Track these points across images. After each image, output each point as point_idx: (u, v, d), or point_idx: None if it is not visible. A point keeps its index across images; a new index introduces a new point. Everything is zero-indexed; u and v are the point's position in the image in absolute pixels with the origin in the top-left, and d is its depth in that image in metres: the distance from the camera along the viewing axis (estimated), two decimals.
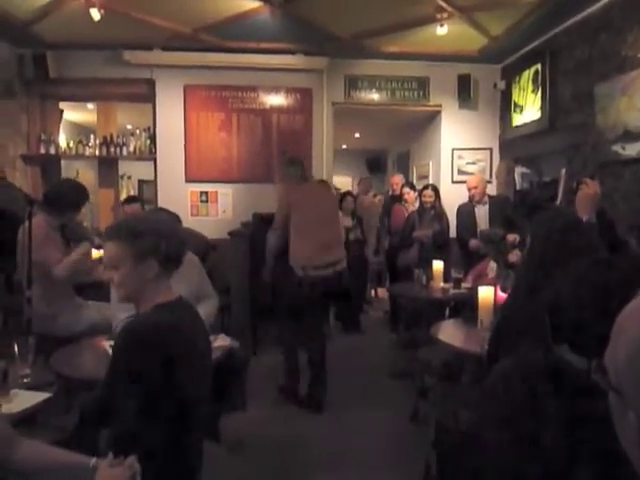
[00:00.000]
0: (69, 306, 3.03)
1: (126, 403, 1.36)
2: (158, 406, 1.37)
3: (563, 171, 4.48)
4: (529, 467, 1.03)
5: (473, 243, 4.50)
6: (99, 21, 3.90)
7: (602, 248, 1.74)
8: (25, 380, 1.88)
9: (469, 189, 4.72)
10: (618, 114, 3.62)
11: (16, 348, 1.92)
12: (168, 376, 1.36)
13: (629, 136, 3.53)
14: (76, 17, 4.06)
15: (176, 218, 2.89)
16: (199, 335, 1.53)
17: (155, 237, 1.49)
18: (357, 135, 8.54)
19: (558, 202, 4.39)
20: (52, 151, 5.12)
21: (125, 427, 1.38)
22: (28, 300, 2.57)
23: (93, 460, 1.27)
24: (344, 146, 9.51)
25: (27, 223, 2.60)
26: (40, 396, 1.76)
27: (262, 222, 4.90)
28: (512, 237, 3.73)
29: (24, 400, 1.72)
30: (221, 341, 2.49)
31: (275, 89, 5.32)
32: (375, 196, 6.49)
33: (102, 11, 3.83)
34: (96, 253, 3.12)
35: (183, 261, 1.57)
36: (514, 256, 3.33)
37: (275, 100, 5.33)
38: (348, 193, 5.76)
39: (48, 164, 5.32)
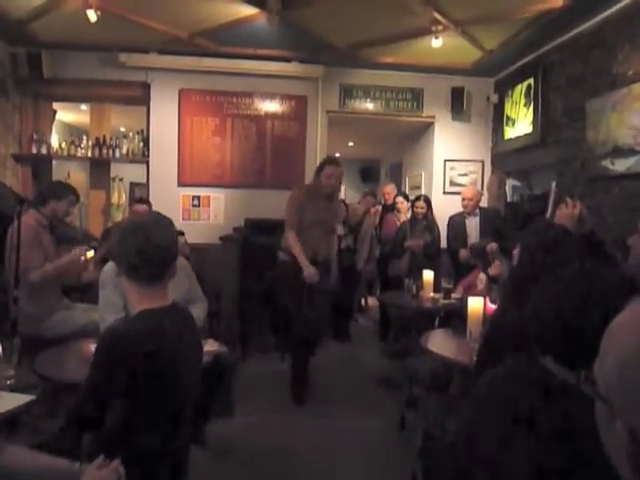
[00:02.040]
0: (57, 308, 3.00)
1: (104, 409, 1.35)
2: (137, 411, 1.36)
3: (553, 185, 4.53)
4: (515, 477, 1.04)
5: (463, 254, 4.52)
6: (95, 22, 3.90)
7: (590, 262, 1.75)
8: (9, 382, 1.85)
9: (463, 199, 4.76)
10: (608, 130, 3.67)
11: (1, 349, 1.90)
12: (141, 383, 1.34)
13: (618, 152, 3.58)
14: (72, 17, 4.05)
15: (169, 222, 2.88)
16: (186, 341, 1.51)
17: (119, 250, 1.47)
18: (351, 144, 8.58)
19: (547, 215, 4.43)
20: (44, 151, 5.08)
21: (107, 432, 1.37)
22: (15, 300, 2.54)
23: (77, 465, 1.26)
24: (337, 154, 9.52)
25: (16, 222, 2.58)
26: (23, 398, 1.73)
27: (254, 227, 4.91)
28: (490, 246, 3.75)
29: (7, 402, 1.69)
30: (209, 346, 2.48)
31: (270, 96, 5.34)
32: (374, 205, 6.47)
33: (99, 12, 3.83)
34: (88, 254, 3.11)
35: (166, 273, 1.50)
36: (495, 269, 3.34)
37: (270, 107, 5.34)
38: (341, 201, 5.76)
39: (39, 164, 5.28)
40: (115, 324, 1.46)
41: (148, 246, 1.42)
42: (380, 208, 6.24)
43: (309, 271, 3.58)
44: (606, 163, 3.70)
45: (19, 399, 1.73)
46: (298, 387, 3.69)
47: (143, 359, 1.34)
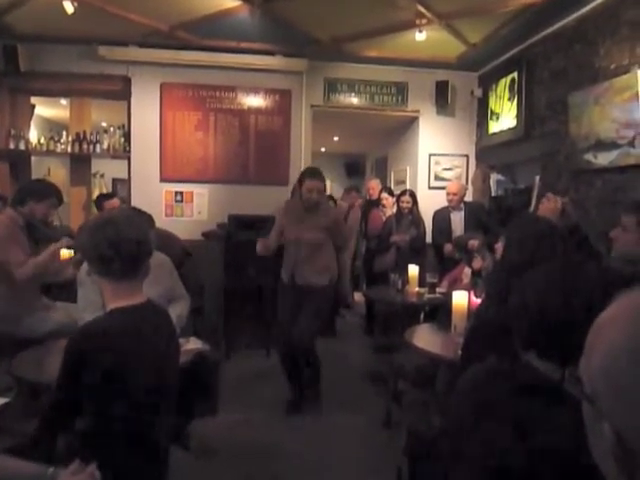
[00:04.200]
0: (35, 306, 2.93)
1: (77, 410, 1.31)
2: (109, 411, 1.32)
3: (537, 178, 4.55)
4: (497, 474, 1.02)
5: (448, 248, 4.53)
6: (73, 14, 3.81)
7: (575, 255, 1.75)
8: None
9: (448, 194, 4.76)
10: (591, 124, 3.69)
11: None
12: (110, 382, 1.31)
13: (601, 146, 3.60)
14: (49, 9, 3.94)
15: (149, 219, 2.82)
16: (161, 339, 1.47)
17: (88, 244, 1.44)
18: (336, 139, 8.55)
19: (531, 209, 4.46)
20: (22, 147, 4.97)
21: (81, 434, 1.33)
22: None
23: (51, 469, 1.22)
24: (323, 149, 9.51)
25: None
26: None
27: (238, 224, 4.86)
28: (472, 242, 3.75)
29: None
30: (192, 344, 2.45)
31: (254, 90, 5.28)
32: (356, 200, 6.48)
33: (75, 4, 3.74)
34: (66, 253, 3.04)
35: (138, 269, 1.47)
36: (477, 262, 3.35)
37: (253, 101, 5.29)
38: (329, 197, 5.74)
39: (18, 160, 5.16)
40: (85, 324, 1.42)
41: (118, 238, 1.40)
42: (361, 201, 6.28)
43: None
44: (589, 157, 3.72)
45: None
46: (291, 392, 3.54)
47: (114, 358, 1.30)
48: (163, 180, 5.18)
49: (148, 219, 2.80)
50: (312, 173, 3.42)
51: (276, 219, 3.53)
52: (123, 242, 1.40)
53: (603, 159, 3.59)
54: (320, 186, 3.36)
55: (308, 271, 3.38)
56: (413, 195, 4.98)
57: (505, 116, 5.00)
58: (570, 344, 0.74)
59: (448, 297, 2.90)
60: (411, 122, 5.94)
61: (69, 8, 3.73)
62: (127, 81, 5.10)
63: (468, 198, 5.20)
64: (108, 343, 1.31)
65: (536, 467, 0.93)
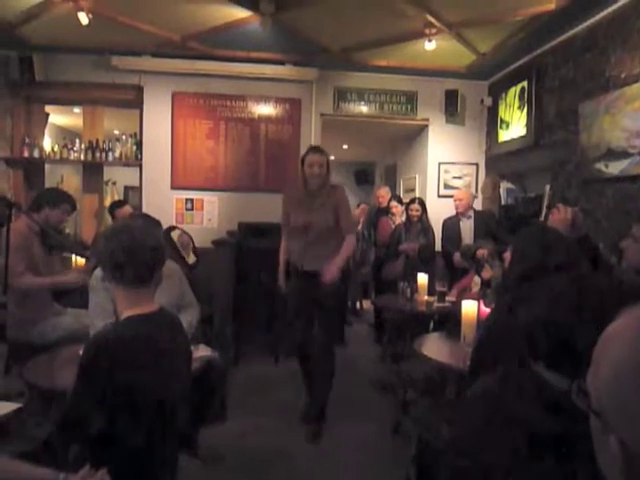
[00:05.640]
0: (46, 313, 2.96)
1: (91, 415, 1.33)
2: (124, 419, 1.34)
3: (547, 187, 4.53)
4: None
5: (457, 257, 4.51)
6: (87, 25, 3.88)
7: (584, 266, 1.74)
8: None
9: (455, 200, 4.78)
10: (602, 132, 3.67)
11: None
12: (127, 390, 1.33)
13: (612, 154, 3.58)
14: (64, 20, 4.02)
15: (156, 224, 2.85)
16: (173, 347, 1.49)
17: (104, 251, 1.46)
18: (345, 147, 8.57)
19: (542, 218, 4.44)
20: (36, 155, 5.05)
21: (93, 440, 1.34)
22: (3, 306, 2.51)
23: (62, 475, 1.23)
24: (332, 157, 9.52)
25: (5, 227, 2.54)
26: (9, 407, 1.70)
27: (248, 231, 4.88)
28: (481, 252, 3.74)
29: None
30: (201, 351, 2.46)
31: (264, 99, 5.32)
32: (359, 206, 6.53)
33: (90, 15, 3.80)
34: (80, 261, 3.10)
35: (152, 276, 1.49)
36: (486, 272, 3.34)
37: (264, 110, 5.33)
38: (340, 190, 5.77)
39: (32, 168, 5.24)
40: (100, 331, 1.44)
41: (134, 244, 1.42)
42: (365, 207, 6.33)
43: (279, 284, 3.39)
44: (600, 166, 3.70)
45: (6, 407, 1.70)
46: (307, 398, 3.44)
47: (128, 366, 1.32)
48: (174, 188, 5.24)
49: (155, 225, 2.83)
50: (312, 148, 3.35)
51: (282, 207, 3.43)
52: (138, 249, 1.42)
53: (614, 168, 3.57)
54: (321, 160, 3.21)
55: (317, 257, 3.21)
56: (422, 203, 4.98)
57: (515, 125, 5.00)
58: (578, 356, 0.74)
59: (457, 306, 2.89)
60: (420, 131, 5.95)
61: (84, 19, 3.80)
62: (139, 90, 5.17)
63: (478, 207, 5.18)
64: (123, 351, 1.33)
65: (551, 474, 0.93)
